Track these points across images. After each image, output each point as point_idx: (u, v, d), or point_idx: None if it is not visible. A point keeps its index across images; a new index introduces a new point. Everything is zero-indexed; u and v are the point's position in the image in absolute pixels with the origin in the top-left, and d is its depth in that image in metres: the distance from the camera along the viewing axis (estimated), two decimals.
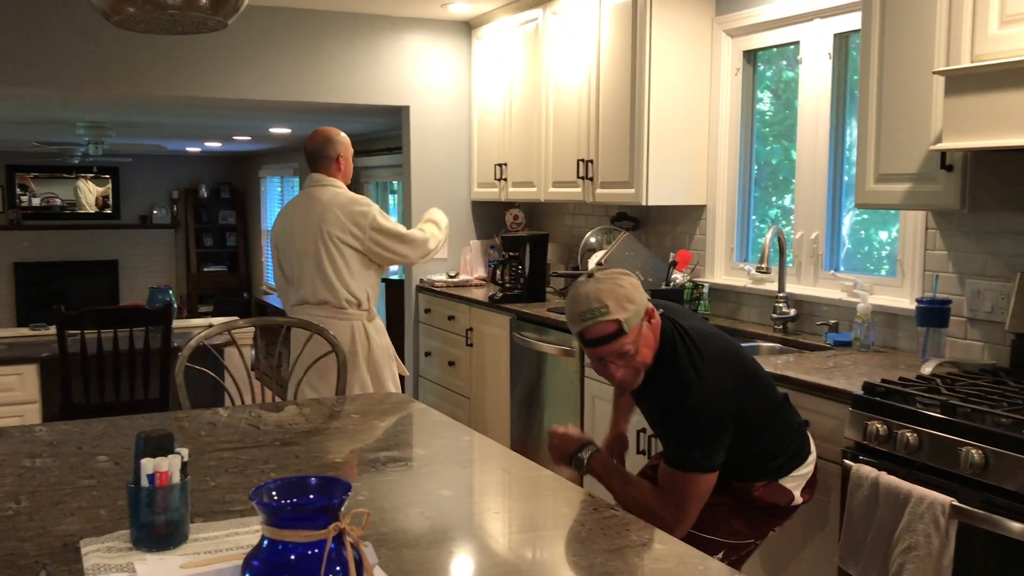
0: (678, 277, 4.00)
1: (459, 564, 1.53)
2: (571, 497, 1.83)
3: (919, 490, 2.25)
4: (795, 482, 2.35)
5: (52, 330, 4.22)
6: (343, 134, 3.86)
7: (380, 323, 3.91)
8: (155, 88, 5.05)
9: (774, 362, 3.02)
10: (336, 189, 3.77)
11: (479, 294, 5.07)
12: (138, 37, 4.78)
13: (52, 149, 9.71)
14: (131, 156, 11.40)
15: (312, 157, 3.82)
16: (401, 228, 3.81)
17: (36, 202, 11.48)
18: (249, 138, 8.97)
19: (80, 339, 3.91)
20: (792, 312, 3.64)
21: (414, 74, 5.56)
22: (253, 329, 4.18)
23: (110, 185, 11.75)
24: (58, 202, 11.58)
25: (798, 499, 2.37)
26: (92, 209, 11.70)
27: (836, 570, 2.58)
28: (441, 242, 3.97)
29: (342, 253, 3.70)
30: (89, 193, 11.66)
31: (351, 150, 3.89)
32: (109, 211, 11.76)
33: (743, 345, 3.47)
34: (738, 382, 2.26)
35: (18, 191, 11.35)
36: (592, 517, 1.72)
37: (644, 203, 4.09)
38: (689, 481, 2.18)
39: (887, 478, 2.34)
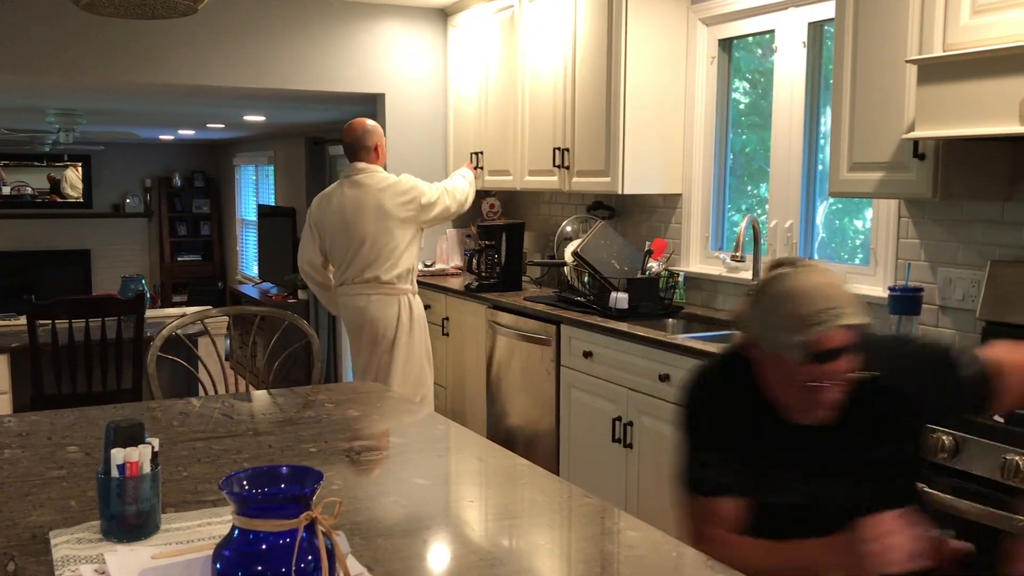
0: (654, 266, 4.01)
1: (434, 553, 1.52)
2: (546, 485, 1.83)
3: None
4: None
5: (23, 320, 4.16)
6: (375, 122, 4.18)
7: (419, 297, 4.22)
8: (125, 75, 4.98)
9: None
10: (380, 175, 4.11)
11: (455, 283, 5.06)
12: (107, 22, 4.71)
13: (22, 137, 9.54)
14: (103, 144, 11.25)
15: (351, 148, 4.13)
16: (435, 195, 4.15)
17: (6, 191, 11.31)
18: (223, 126, 8.87)
19: (51, 329, 3.87)
20: None
21: (389, 61, 5.53)
22: (227, 319, 4.14)
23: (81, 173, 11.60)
24: (29, 190, 11.41)
25: None
26: (81, 198, 11.56)
27: None
28: (472, 191, 4.40)
29: (399, 228, 4.04)
30: (78, 181, 11.52)
31: (384, 137, 4.22)
32: (81, 200, 11.62)
33: (718, 334, 3.49)
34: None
35: None
36: (567, 505, 1.72)
37: (620, 192, 4.10)
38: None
39: None
